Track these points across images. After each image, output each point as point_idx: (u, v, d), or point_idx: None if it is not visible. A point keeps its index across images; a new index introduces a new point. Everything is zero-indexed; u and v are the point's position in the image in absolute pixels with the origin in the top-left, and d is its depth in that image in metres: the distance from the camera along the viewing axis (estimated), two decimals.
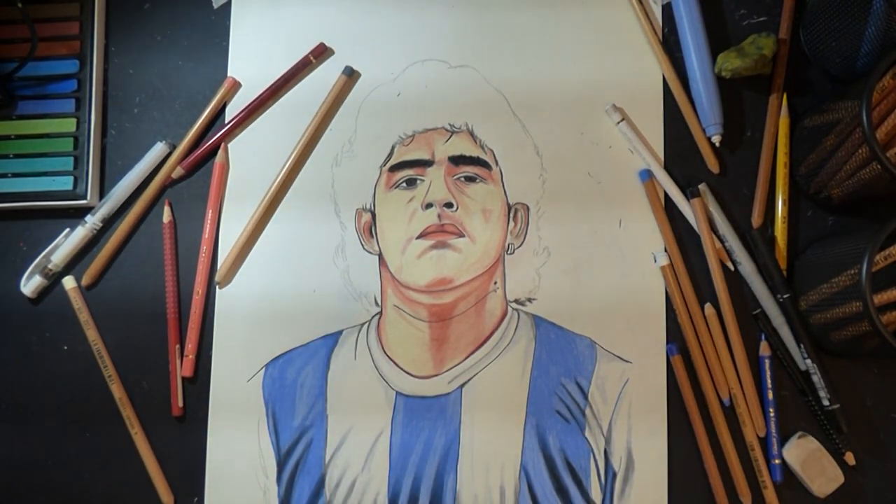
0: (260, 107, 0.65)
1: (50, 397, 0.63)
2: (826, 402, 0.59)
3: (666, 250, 0.61)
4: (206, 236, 0.64)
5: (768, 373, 0.59)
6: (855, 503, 0.59)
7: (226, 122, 0.65)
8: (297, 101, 0.65)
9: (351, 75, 0.65)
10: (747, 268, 0.61)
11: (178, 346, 0.63)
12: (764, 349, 0.60)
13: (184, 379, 0.62)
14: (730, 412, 0.60)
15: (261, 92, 0.65)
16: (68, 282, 0.64)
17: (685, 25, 0.62)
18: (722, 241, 0.61)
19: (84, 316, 0.63)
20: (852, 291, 0.53)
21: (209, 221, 0.64)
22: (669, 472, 0.59)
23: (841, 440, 0.59)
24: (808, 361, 0.59)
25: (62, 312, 0.64)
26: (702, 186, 0.61)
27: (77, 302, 0.63)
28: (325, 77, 0.65)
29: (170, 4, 0.67)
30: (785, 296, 0.60)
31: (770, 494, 0.59)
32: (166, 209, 0.64)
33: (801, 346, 0.59)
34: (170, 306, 0.63)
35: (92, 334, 0.63)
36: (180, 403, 0.62)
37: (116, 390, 0.62)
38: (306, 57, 0.65)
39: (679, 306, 0.60)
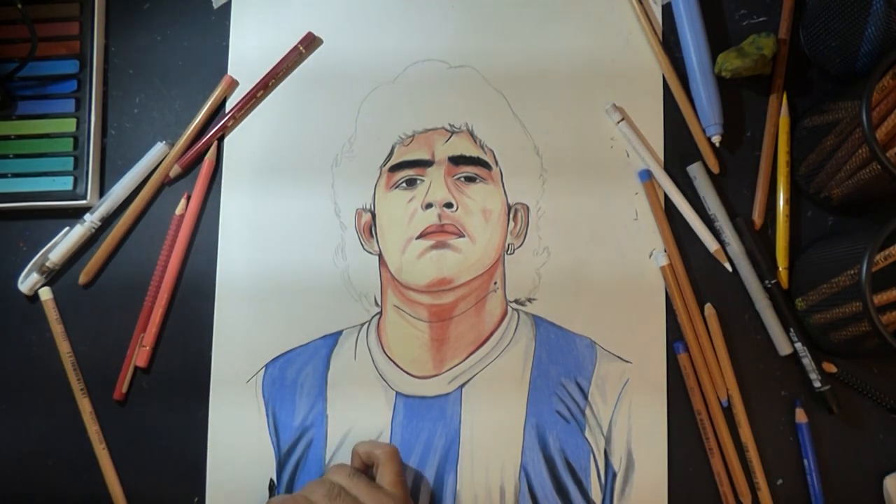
0: (252, 101, 0.65)
1: (50, 395, 0.63)
2: (817, 385, 0.59)
3: (666, 250, 0.61)
4: (185, 226, 0.64)
5: (808, 442, 0.59)
6: None
7: (221, 120, 0.65)
8: (291, 93, 0.65)
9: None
10: (744, 268, 0.61)
11: (142, 335, 0.63)
12: (800, 416, 0.60)
13: (138, 368, 0.63)
14: (728, 412, 0.60)
15: (252, 86, 0.65)
16: (44, 293, 0.64)
17: (685, 25, 0.62)
18: (719, 237, 0.61)
19: (59, 329, 0.63)
20: (852, 291, 0.53)
21: (189, 215, 0.64)
22: (669, 472, 0.60)
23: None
24: (798, 345, 0.59)
25: (62, 310, 0.64)
26: (697, 165, 0.62)
27: (52, 314, 0.64)
28: (316, 68, 0.65)
29: (170, 4, 0.67)
30: (773, 281, 0.60)
31: (764, 496, 0.59)
32: (182, 202, 0.64)
33: (791, 329, 0.59)
34: (149, 297, 0.63)
35: (65, 347, 0.63)
36: (123, 389, 0.62)
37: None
38: (295, 48, 0.65)
39: (679, 306, 0.60)
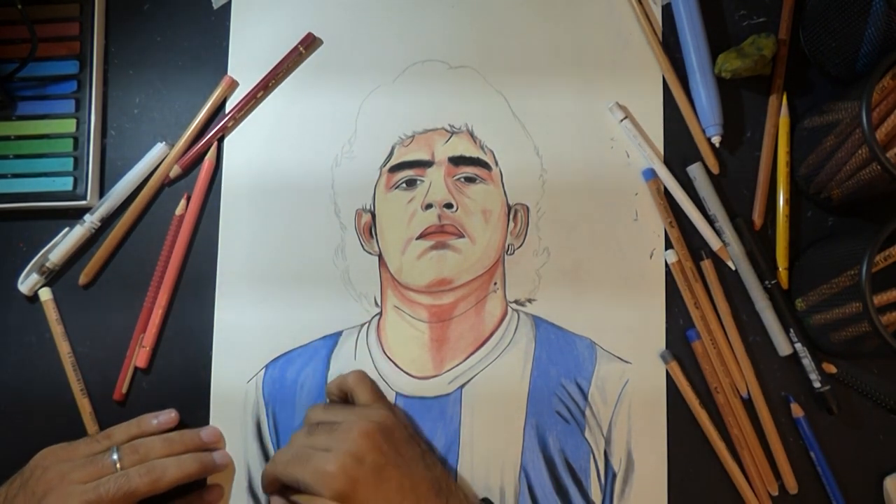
0: (252, 101, 0.65)
1: (50, 395, 0.63)
2: (817, 385, 0.59)
3: (672, 247, 0.61)
4: (185, 227, 0.64)
5: (810, 434, 0.59)
6: None
7: (221, 120, 0.65)
8: (290, 94, 0.65)
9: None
10: (744, 268, 0.61)
11: (141, 335, 0.63)
12: (796, 410, 0.60)
13: (137, 369, 0.63)
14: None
15: (253, 86, 0.65)
16: (44, 293, 0.64)
17: (685, 26, 0.62)
18: (719, 238, 0.61)
19: (59, 329, 0.63)
20: (852, 292, 0.53)
21: (189, 215, 0.64)
22: (669, 473, 0.60)
23: None
24: (798, 345, 0.59)
25: (62, 311, 0.64)
26: (696, 166, 0.62)
27: (52, 314, 0.64)
28: (316, 68, 0.66)
29: (170, 5, 0.67)
30: (773, 282, 0.60)
31: (789, 481, 0.59)
32: (182, 202, 0.64)
33: (791, 330, 0.59)
34: (149, 297, 0.63)
35: (65, 347, 0.63)
36: (123, 390, 0.63)
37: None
38: (295, 48, 0.65)
39: (689, 302, 0.60)
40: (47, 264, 0.64)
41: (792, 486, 0.59)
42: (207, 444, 0.60)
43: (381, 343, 0.62)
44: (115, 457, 0.56)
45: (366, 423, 0.54)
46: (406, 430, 0.56)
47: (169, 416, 0.61)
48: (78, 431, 0.62)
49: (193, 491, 0.60)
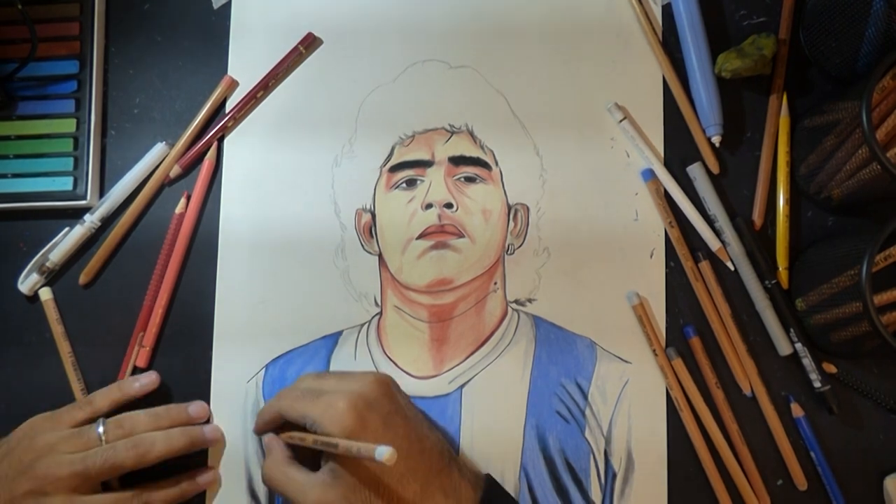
0: (253, 101, 0.65)
1: (50, 396, 0.63)
2: (817, 385, 0.59)
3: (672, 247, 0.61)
4: (184, 227, 0.64)
5: (811, 434, 0.59)
6: None
7: (221, 120, 0.65)
8: (290, 94, 0.65)
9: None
10: (744, 268, 0.61)
11: (141, 335, 0.63)
12: (797, 410, 0.60)
13: (137, 369, 0.63)
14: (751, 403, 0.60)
15: (253, 86, 0.65)
16: (44, 293, 0.64)
17: (685, 26, 0.62)
18: (719, 238, 0.61)
19: (59, 329, 0.63)
20: (852, 292, 0.53)
21: (189, 215, 0.64)
22: (669, 473, 0.60)
23: None
24: (799, 345, 0.59)
25: (62, 310, 0.64)
26: (696, 166, 0.62)
27: (52, 314, 0.63)
28: (316, 68, 0.66)
29: (170, 5, 0.67)
30: (773, 282, 0.60)
31: (798, 476, 0.59)
32: (182, 201, 0.64)
33: (791, 330, 0.59)
34: (149, 297, 0.63)
35: (65, 347, 0.63)
36: None
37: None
38: (295, 48, 0.65)
39: (702, 296, 0.61)
40: (47, 264, 0.64)
41: (801, 483, 0.59)
42: (195, 419, 0.60)
43: (381, 343, 0.62)
44: (100, 430, 0.56)
45: (377, 374, 0.55)
46: (408, 398, 0.57)
47: (150, 377, 0.61)
48: None
49: (186, 472, 0.60)
